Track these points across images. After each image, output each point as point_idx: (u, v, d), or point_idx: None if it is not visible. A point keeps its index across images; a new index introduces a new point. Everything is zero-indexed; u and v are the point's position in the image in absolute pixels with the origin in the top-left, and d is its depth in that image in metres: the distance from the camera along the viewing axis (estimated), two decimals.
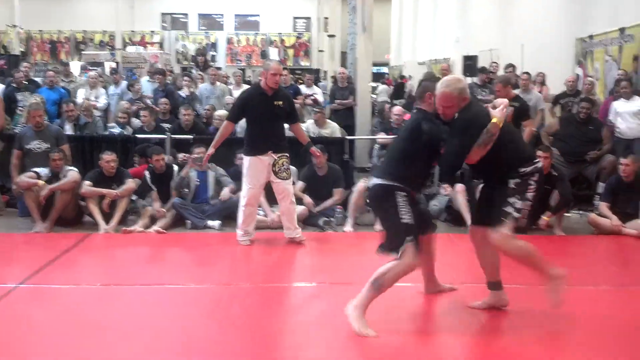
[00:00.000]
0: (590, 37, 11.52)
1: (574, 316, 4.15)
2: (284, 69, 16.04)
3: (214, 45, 24.89)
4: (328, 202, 7.13)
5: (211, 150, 6.23)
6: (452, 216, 6.98)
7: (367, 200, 4.45)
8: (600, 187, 7.49)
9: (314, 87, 11.02)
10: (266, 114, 6.00)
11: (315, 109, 9.17)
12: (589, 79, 10.40)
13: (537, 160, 4.06)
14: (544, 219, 6.51)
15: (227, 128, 6.16)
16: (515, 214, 3.91)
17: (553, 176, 6.60)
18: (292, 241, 6.18)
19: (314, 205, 7.08)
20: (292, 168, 7.33)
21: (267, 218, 6.86)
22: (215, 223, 6.79)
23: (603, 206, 6.63)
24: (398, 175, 3.96)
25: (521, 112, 6.99)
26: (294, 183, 6.79)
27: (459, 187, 6.96)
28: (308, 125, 8.94)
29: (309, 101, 10.40)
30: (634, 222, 6.36)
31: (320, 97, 10.61)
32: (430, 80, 4.30)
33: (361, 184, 6.91)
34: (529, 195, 3.92)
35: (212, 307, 4.45)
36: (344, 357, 3.68)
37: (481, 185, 4.37)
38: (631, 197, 6.50)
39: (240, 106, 6.15)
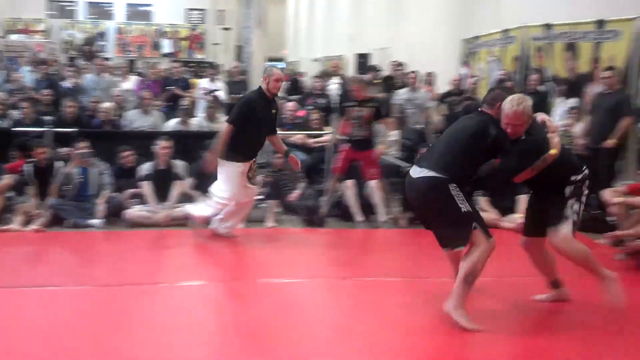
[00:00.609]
0: (475, 38, 12.02)
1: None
2: (176, 61, 15.78)
3: (103, 35, 23.94)
4: None
5: (211, 156, 6.04)
6: (342, 211, 7.05)
7: (411, 192, 4.09)
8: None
9: (217, 82, 10.48)
10: (264, 121, 5.87)
11: (209, 103, 8.99)
12: (474, 78, 10.83)
13: (584, 168, 4.20)
14: None
15: (228, 132, 5.78)
16: (574, 217, 4.07)
17: None
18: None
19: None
20: (183, 163, 7.17)
21: (154, 215, 6.66)
22: (97, 222, 6.51)
23: (483, 201, 6.91)
24: (452, 171, 3.90)
25: (378, 112, 6.99)
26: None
27: (349, 182, 7.04)
28: (199, 120, 8.77)
29: (210, 97, 9.97)
30: (510, 216, 6.67)
31: (223, 93, 10.14)
32: (502, 89, 4.47)
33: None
34: (583, 199, 4.12)
35: (90, 310, 4.26)
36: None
37: (529, 196, 4.50)
38: (507, 192, 6.81)
39: (247, 112, 5.83)
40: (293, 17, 27.42)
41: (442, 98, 10.16)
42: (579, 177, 4.10)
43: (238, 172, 5.84)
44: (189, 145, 7.97)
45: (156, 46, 24.54)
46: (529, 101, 3.94)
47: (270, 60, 20.32)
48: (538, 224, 4.22)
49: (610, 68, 7.24)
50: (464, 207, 3.87)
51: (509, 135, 3.91)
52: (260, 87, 5.94)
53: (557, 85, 9.06)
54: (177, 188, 6.92)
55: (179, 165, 7.08)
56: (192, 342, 3.72)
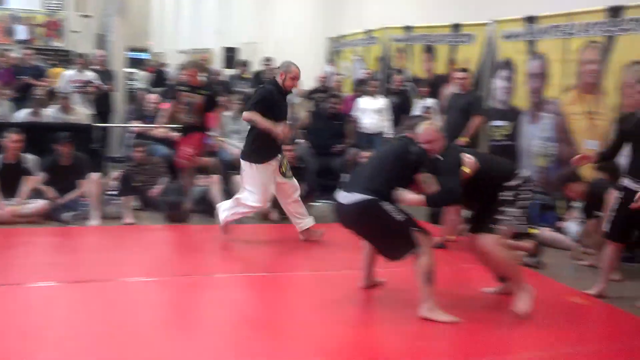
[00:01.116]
0: (340, 37, 12.27)
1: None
2: (29, 48, 14.75)
3: None
4: (72, 194, 6.62)
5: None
6: (208, 207, 6.91)
7: (344, 217, 4.19)
8: (345, 177, 7.98)
9: (87, 72, 9.63)
10: (282, 114, 5.72)
11: (61, 94, 8.48)
12: (339, 76, 11.04)
13: (519, 172, 4.39)
14: None
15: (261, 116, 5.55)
16: (510, 221, 4.22)
17: (300, 168, 6.87)
18: (308, 236, 5.98)
19: (57, 198, 6.55)
20: (33, 157, 6.71)
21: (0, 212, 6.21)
22: None
23: None
24: (381, 191, 4.05)
25: (210, 102, 6.97)
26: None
27: (215, 177, 6.92)
28: (53, 111, 8.26)
29: (90, 89, 9.24)
30: None
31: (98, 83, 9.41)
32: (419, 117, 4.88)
33: (95, 176, 6.63)
34: (523, 202, 4.29)
35: None
36: None
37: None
38: None
39: (268, 104, 5.61)
40: (158, 7, 26.65)
41: (309, 95, 10.26)
42: (514, 182, 4.26)
43: (268, 173, 5.69)
44: (42, 138, 7.49)
45: (9, 32, 22.87)
46: (438, 123, 4.36)
47: (134, 50, 19.63)
48: (477, 223, 4.37)
49: (463, 70, 7.63)
50: (400, 216, 4.04)
51: (427, 152, 4.18)
52: (275, 79, 5.79)
53: (417, 85, 9.45)
54: (27, 183, 6.46)
55: (30, 159, 6.62)
56: (41, 345, 3.48)
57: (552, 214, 6.58)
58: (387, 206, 4.03)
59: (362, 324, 4.22)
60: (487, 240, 4.20)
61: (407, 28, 9.81)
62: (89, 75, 9.47)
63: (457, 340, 3.93)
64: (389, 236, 4.13)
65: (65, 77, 9.70)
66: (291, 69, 5.72)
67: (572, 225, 6.12)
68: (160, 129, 8.19)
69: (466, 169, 4.14)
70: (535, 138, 7.27)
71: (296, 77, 5.73)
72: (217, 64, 16.05)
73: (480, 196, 4.26)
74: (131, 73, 15.35)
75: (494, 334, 4.01)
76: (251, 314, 4.20)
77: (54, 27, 23.29)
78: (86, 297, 4.36)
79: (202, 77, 7.29)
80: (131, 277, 4.77)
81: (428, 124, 4.31)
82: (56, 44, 23.06)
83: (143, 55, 22.05)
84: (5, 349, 3.45)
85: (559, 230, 6.25)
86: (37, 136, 7.37)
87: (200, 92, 6.87)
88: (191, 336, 3.68)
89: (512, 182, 4.25)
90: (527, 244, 5.59)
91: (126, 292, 4.52)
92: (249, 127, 5.80)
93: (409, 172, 4.18)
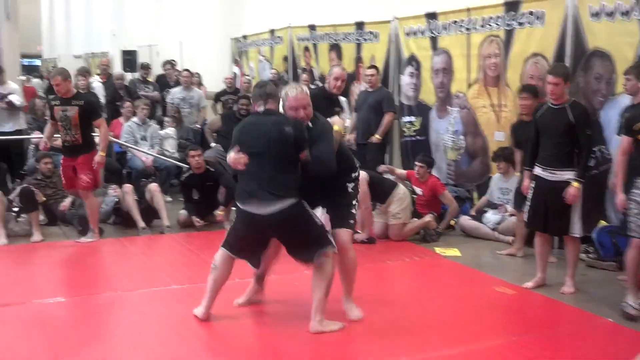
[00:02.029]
0: (244, 37, 12.18)
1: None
2: None
3: None
4: None
5: None
6: (122, 218, 6.68)
7: (263, 227, 3.73)
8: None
9: (10, 84, 8.19)
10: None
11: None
12: (246, 77, 10.97)
13: (358, 165, 4.24)
14: (219, 213, 6.68)
15: None
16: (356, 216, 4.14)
17: (212, 172, 6.78)
18: None
19: None
20: None
21: None
22: None
23: None
24: (293, 188, 3.74)
25: (87, 112, 6.00)
26: None
27: (128, 187, 6.69)
28: None
29: (3, 104, 7.90)
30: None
31: (17, 98, 8.02)
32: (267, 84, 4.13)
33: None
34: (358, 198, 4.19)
35: None
36: None
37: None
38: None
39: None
40: (48, 9, 25.48)
41: (217, 97, 10.14)
42: (356, 174, 4.15)
43: None
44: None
45: None
46: (303, 86, 4.07)
47: (25, 57, 18.69)
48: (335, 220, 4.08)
49: (372, 67, 7.75)
50: (318, 220, 3.86)
51: (300, 123, 3.80)
52: (324, 84, 5.70)
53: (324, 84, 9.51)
54: None
55: None
56: None
57: (466, 206, 6.83)
58: (308, 208, 3.81)
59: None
60: (346, 237, 4.00)
61: (312, 27, 9.86)
62: (11, 87, 8.17)
63: (394, 339, 3.96)
64: (308, 238, 3.82)
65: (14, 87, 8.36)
66: (333, 70, 5.60)
67: (490, 215, 6.35)
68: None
69: (337, 128, 3.98)
70: (444, 132, 7.50)
71: (338, 78, 5.45)
72: (115, 67, 15.53)
73: (330, 186, 3.95)
74: (26, 81, 14.59)
75: (423, 331, 4.07)
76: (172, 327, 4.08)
77: None
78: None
79: (91, 81, 6.67)
80: (44, 298, 4.51)
81: (294, 87, 3.89)
82: None
83: (35, 62, 21.04)
84: None
85: (476, 219, 6.46)
86: None
87: (74, 102, 6.02)
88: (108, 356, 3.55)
89: (356, 174, 4.13)
90: (427, 217, 6.25)
91: (41, 314, 4.27)
92: None
93: (296, 154, 3.77)
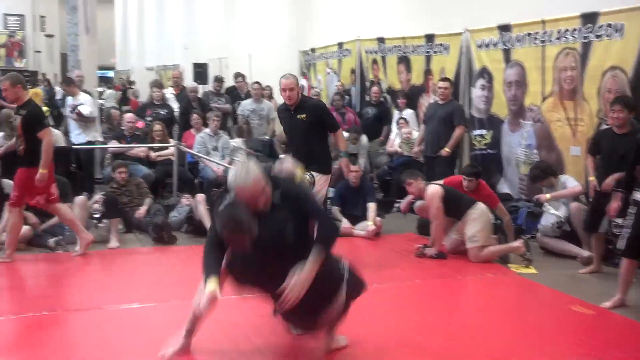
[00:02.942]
0: (312, 50, 12.30)
1: None
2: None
3: None
4: (54, 220, 6.47)
5: None
6: (194, 226, 6.82)
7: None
8: (331, 192, 7.96)
9: (81, 95, 8.65)
10: (291, 129, 5.67)
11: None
12: (314, 89, 11.05)
13: None
14: None
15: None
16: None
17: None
18: None
19: (40, 224, 6.39)
20: (11, 182, 6.51)
21: None
22: None
23: (335, 210, 7.04)
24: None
25: (31, 121, 5.57)
26: None
27: (200, 196, 6.84)
28: None
29: (74, 115, 8.36)
30: (361, 223, 6.85)
31: (87, 109, 8.33)
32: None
33: (79, 199, 6.50)
34: None
35: None
36: None
37: None
38: (358, 200, 7.00)
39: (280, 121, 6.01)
40: (121, 23, 26.39)
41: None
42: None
43: None
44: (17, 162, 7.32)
45: None
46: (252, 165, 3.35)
47: (101, 69, 19.39)
48: None
49: (444, 79, 7.70)
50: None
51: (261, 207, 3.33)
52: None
53: (393, 96, 9.51)
54: (7, 210, 6.27)
55: (8, 184, 6.44)
56: None
57: (538, 222, 6.65)
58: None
59: None
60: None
61: (381, 39, 9.87)
62: (83, 98, 8.58)
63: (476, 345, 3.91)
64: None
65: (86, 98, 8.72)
66: (280, 81, 5.59)
67: (550, 214, 6.15)
68: (141, 149, 8.09)
69: (299, 172, 3.99)
70: (517, 146, 7.35)
71: (283, 89, 5.50)
72: (187, 80, 15.94)
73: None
74: (100, 92, 15.15)
75: (500, 345, 4.00)
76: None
77: (16, 47, 22.89)
78: (80, 325, 4.24)
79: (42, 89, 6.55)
80: (122, 304, 4.65)
81: (244, 176, 3.28)
82: (18, 64, 22.65)
83: (109, 73, 21.82)
84: None
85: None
86: (13, 161, 7.22)
87: (20, 111, 5.63)
88: None
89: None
90: (516, 243, 5.88)
91: (119, 319, 4.40)
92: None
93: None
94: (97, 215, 6.50)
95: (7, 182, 6.50)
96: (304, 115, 5.48)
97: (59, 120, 10.32)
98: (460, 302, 5.11)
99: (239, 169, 3.26)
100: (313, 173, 5.38)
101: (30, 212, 6.36)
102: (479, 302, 5.06)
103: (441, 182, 6.37)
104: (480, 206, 5.93)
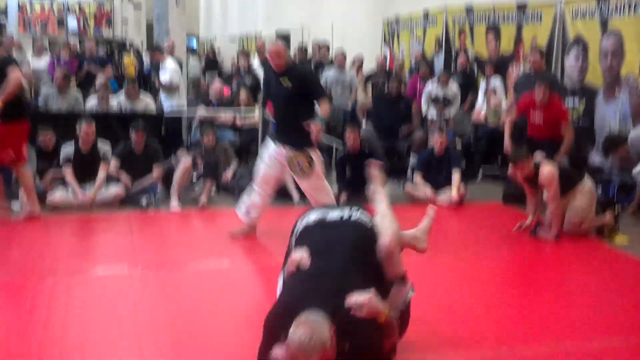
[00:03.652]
0: (396, 18, 12.13)
1: None
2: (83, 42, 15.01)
3: (4, 12, 22.51)
4: (147, 180, 6.74)
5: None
6: (278, 191, 6.94)
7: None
8: (413, 158, 7.92)
9: (167, 62, 9.05)
10: (275, 96, 5.28)
11: (129, 83, 8.59)
12: (397, 59, 10.93)
13: None
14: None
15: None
16: None
17: (365, 153, 6.79)
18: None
19: (132, 185, 6.68)
20: (106, 145, 6.80)
21: (79, 200, 6.35)
22: (18, 207, 6.15)
23: (418, 177, 7.00)
24: None
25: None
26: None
27: None
28: (119, 100, 8.41)
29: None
30: (445, 192, 6.78)
31: (166, 77, 8.80)
32: None
33: (186, 160, 6.65)
34: None
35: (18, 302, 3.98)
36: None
37: None
38: (442, 169, 6.92)
39: (263, 89, 5.74)
40: None
41: (368, 78, 10.19)
42: None
43: (268, 153, 5.34)
44: (111, 126, 7.65)
45: (62, 23, 23.31)
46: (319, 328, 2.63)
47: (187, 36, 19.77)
48: None
49: (537, 50, 7.46)
50: None
51: None
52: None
53: (480, 66, 9.29)
54: (102, 170, 6.59)
55: (104, 147, 6.73)
56: (123, 333, 3.53)
57: (632, 197, 6.40)
58: None
59: None
60: None
61: (469, 8, 9.62)
62: (165, 66, 9.05)
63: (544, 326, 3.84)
64: None
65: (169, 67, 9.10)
66: (266, 46, 5.56)
67: None
68: (227, 115, 8.27)
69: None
70: (610, 117, 7.06)
71: (269, 53, 5.11)
72: None
73: None
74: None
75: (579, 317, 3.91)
76: None
77: (104, 17, 23.66)
78: (164, 283, 4.41)
79: None
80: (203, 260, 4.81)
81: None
82: (106, 34, 23.40)
83: (193, 41, 22.22)
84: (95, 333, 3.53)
85: None
86: (108, 124, 7.55)
87: None
88: None
89: None
90: (607, 217, 5.59)
91: (207, 275, 4.56)
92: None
93: None
94: (195, 175, 6.74)
95: (104, 145, 6.79)
96: (289, 84, 5.07)
97: (147, 87, 10.66)
98: (539, 270, 4.98)
99: (303, 328, 2.59)
100: (310, 154, 5.07)
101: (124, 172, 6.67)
102: (557, 273, 4.90)
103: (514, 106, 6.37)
104: (589, 183, 5.60)
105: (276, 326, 2.73)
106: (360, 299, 2.72)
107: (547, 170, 5.40)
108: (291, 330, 2.57)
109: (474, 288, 4.36)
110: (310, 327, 2.55)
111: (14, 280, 4.36)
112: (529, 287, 4.45)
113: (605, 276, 4.71)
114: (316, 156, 5.17)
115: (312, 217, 3.24)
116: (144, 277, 4.47)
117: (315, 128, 4.95)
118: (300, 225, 3.26)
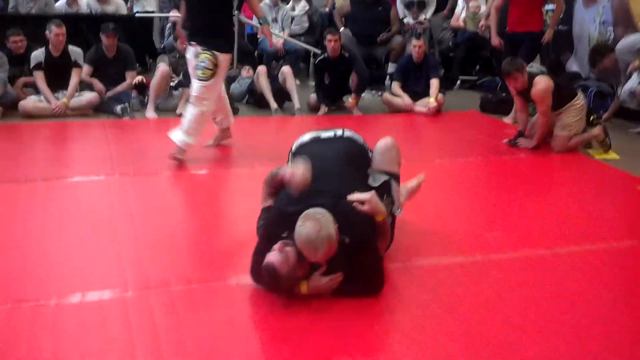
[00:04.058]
0: None
1: None
2: None
3: None
4: (120, 87, 6.61)
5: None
6: (255, 99, 6.88)
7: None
8: (391, 67, 7.83)
9: None
10: None
11: None
12: None
13: None
14: (351, 101, 6.71)
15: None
16: None
17: (345, 58, 6.71)
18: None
19: (106, 91, 6.55)
20: (78, 49, 6.60)
21: (51, 106, 6.23)
22: None
23: (396, 85, 6.95)
24: None
25: None
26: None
27: (261, 68, 6.83)
28: (88, 2, 8.10)
29: None
30: (423, 100, 6.76)
31: None
32: None
33: (164, 67, 6.50)
34: None
35: None
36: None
37: None
38: (420, 76, 6.87)
39: None
40: None
41: None
42: None
43: (188, 58, 4.97)
44: (82, 29, 7.41)
45: None
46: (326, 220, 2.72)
47: None
48: None
49: None
50: None
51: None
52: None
53: None
54: (75, 76, 6.43)
55: (76, 51, 6.54)
56: (101, 237, 3.55)
57: (607, 104, 6.44)
58: None
59: None
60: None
61: None
62: None
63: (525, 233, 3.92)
64: None
65: None
66: None
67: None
68: None
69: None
70: (590, 22, 6.99)
71: None
72: None
73: None
74: None
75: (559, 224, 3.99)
76: None
77: None
78: (140, 188, 4.39)
79: None
80: (191, 169, 4.80)
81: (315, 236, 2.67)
82: None
83: None
84: (73, 240, 3.56)
85: None
86: (77, 28, 7.31)
87: None
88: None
89: None
90: (595, 130, 5.48)
91: (186, 182, 4.58)
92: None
93: None
94: (173, 84, 6.60)
95: (76, 49, 6.58)
96: None
97: None
98: (513, 181, 4.92)
99: (311, 222, 2.66)
100: (214, 52, 4.63)
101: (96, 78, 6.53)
102: (536, 182, 4.92)
103: None
104: (582, 98, 5.48)
105: (276, 228, 2.84)
106: (363, 196, 2.85)
107: (541, 85, 5.19)
108: (298, 224, 2.67)
109: (452, 195, 4.42)
110: (318, 221, 2.66)
111: None
112: (510, 195, 4.45)
113: (590, 186, 4.73)
114: (227, 61, 4.80)
115: (307, 136, 3.38)
116: (121, 182, 4.45)
117: (266, 32, 4.86)
118: (295, 146, 3.38)
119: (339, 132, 3.36)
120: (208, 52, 4.62)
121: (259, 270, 2.82)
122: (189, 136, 4.78)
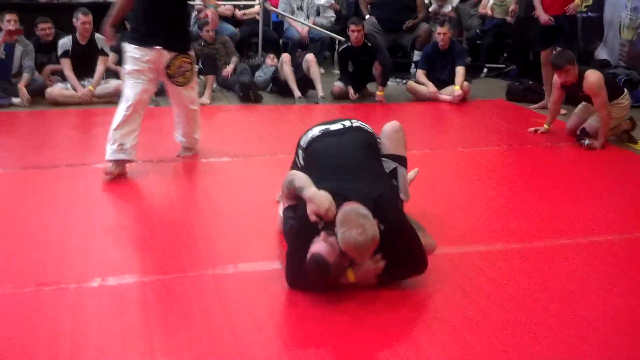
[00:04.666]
0: None
1: None
2: None
3: None
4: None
5: (108, 26, 4.38)
6: (279, 87, 6.87)
7: None
8: (417, 55, 7.76)
9: None
10: None
11: None
12: None
13: None
14: (379, 94, 6.65)
15: None
16: None
17: (368, 47, 6.65)
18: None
19: None
20: (104, 37, 6.63)
21: (77, 94, 6.30)
22: (19, 100, 6.12)
23: (420, 73, 6.89)
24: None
25: None
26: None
27: (286, 56, 6.82)
28: None
29: None
30: (448, 88, 6.69)
31: None
32: None
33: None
34: None
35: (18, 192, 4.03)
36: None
37: None
38: (446, 64, 6.79)
39: None
40: None
41: None
42: None
43: (136, 60, 4.23)
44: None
45: None
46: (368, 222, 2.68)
47: None
48: None
49: None
50: None
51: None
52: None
53: None
54: (101, 64, 6.49)
55: (101, 39, 6.59)
56: (123, 223, 3.61)
57: (638, 91, 6.30)
58: None
59: None
60: None
61: None
62: None
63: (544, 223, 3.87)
64: None
65: None
66: None
67: None
68: (226, 7, 8.04)
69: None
70: (622, 8, 6.84)
71: None
72: None
73: None
74: None
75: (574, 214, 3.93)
76: None
77: None
78: (162, 174, 4.44)
79: None
80: (210, 158, 4.81)
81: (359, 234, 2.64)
82: None
83: None
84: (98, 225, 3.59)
85: None
86: (104, 16, 7.33)
87: None
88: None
89: None
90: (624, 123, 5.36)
91: (211, 170, 4.59)
92: None
93: None
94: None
95: (102, 37, 6.63)
96: None
97: None
98: (539, 171, 4.84)
99: (356, 228, 2.62)
100: (189, 54, 4.34)
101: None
102: (562, 172, 4.83)
103: None
104: (628, 95, 5.38)
105: (309, 229, 2.78)
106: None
107: (593, 78, 5.08)
108: (342, 230, 2.63)
109: (474, 183, 4.37)
110: (362, 226, 2.63)
111: (15, 172, 4.40)
112: (534, 185, 4.38)
113: (618, 176, 4.66)
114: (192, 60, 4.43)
115: (316, 130, 3.34)
116: (144, 169, 4.48)
117: (213, 14, 4.27)
118: (304, 140, 3.34)
119: (347, 123, 3.33)
120: (184, 57, 4.26)
121: (298, 268, 2.75)
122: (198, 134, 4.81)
